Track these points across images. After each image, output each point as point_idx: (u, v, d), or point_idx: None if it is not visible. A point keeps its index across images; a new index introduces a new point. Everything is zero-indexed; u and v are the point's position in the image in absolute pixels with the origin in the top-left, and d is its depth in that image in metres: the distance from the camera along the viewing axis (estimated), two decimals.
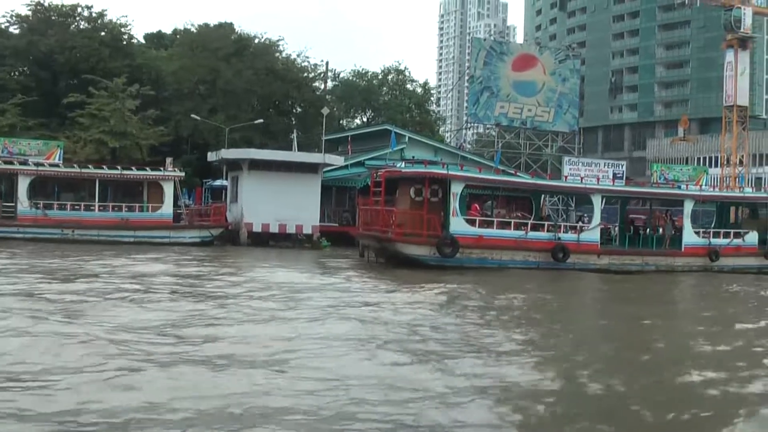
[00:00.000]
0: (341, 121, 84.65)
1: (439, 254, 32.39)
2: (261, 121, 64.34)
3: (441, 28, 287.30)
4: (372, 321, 17.79)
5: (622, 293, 29.58)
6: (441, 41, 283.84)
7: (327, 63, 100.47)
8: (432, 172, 33.85)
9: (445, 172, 33.60)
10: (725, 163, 74.62)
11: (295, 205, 44.72)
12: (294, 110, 78.58)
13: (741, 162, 73.70)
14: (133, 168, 44.75)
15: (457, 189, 33.33)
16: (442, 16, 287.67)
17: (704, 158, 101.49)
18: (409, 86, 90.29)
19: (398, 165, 37.80)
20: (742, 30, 73.46)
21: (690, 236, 37.81)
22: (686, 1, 73.71)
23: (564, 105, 65.75)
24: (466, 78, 70.61)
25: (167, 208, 43.88)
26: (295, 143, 52.51)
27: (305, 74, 78.35)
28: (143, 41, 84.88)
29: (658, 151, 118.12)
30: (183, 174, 45.77)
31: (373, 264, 35.21)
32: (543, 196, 42.83)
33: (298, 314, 18.45)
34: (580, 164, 39.52)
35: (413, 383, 11.79)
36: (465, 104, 74.17)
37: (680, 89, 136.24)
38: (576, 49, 71.06)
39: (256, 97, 70.92)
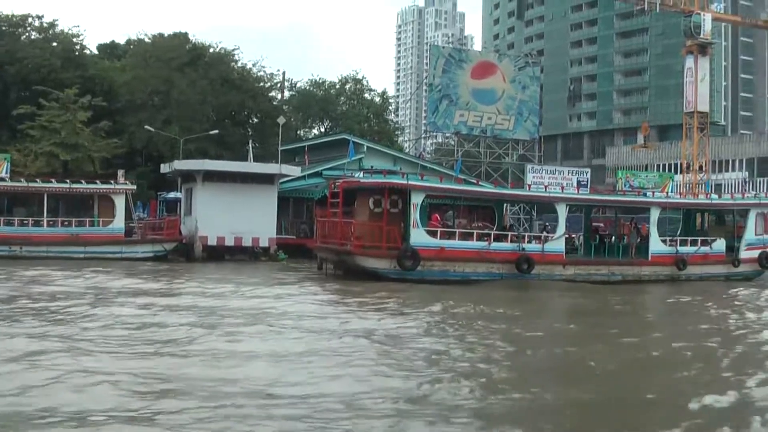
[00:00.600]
0: (299, 132, 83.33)
1: (400, 267, 31.22)
2: (216, 132, 63.00)
3: (399, 39, 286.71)
4: (321, 337, 17.16)
5: (585, 306, 28.60)
6: (399, 51, 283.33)
7: (284, 73, 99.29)
8: (391, 182, 32.62)
9: (405, 182, 32.38)
10: (686, 170, 74.03)
11: (251, 217, 43.37)
12: (250, 121, 77.29)
13: (701, 168, 73.36)
14: (83, 181, 43.18)
15: (417, 199, 32.15)
16: (400, 26, 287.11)
17: (664, 165, 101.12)
18: (367, 95, 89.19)
19: (356, 175, 36.66)
20: (701, 36, 73.17)
21: (657, 244, 36.87)
22: (645, 8, 72.75)
23: (524, 112, 65.05)
24: (425, 86, 69.50)
25: (119, 223, 42.34)
26: (250, 154, 51.24)
27: (261, 84, 77.07)
28: (96, 52, 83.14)
29: (617, 158, 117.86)
30: (135, 187, 44.35)
31: (331, 277, 33.98)
32: (505, 205, 41.95)
33: (247, 332, 17.79)
34: (544, 172, 38.77)
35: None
36: (424, 114, 73.09)
37: (639, 97, 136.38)
38: (535, 57, 70.33)
39: (211, 108, 69.46)
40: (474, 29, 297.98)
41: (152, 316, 19.80)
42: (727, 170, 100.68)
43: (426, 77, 70.67)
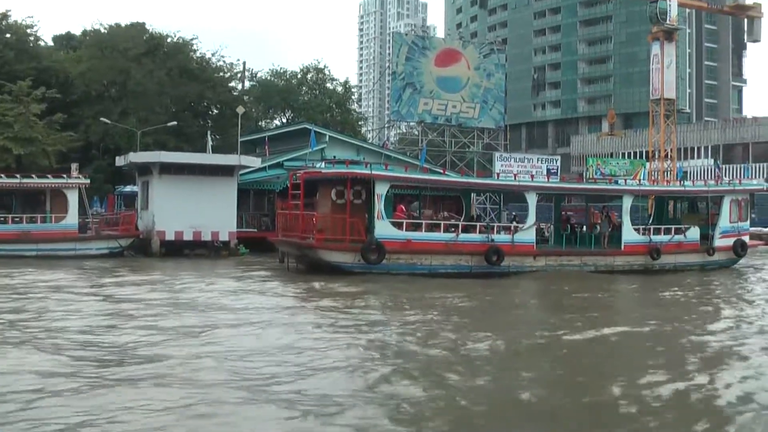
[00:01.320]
0: (260, 123, 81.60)
1: (364, 261, 29.88)
2: (174, 123, 61.20)
3: (361, 30, 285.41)
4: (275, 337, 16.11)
5: (556, 298, 27.42)
6: (361, 42, 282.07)
7: (244, 63, 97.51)
8: (354, 172, 31.17)
9: (368, 172, 30.93)
10: (653, 157, 73.19)
11: (210, 210, 41.85)
12: (210, 112, 75.55)
13: (668, 156, 72.64)
14: (34, 176, 41.41)
15: (381, 190, 30.77)
16: (362, 17, 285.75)
17: (630, 153, 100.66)
18: (329, 85, 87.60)
19: (318, 165, 35.23)
20: (667, 22, 72.35)
21: (630, 234, 35.74)
22: None
23: (489, 100, 63.76)
24: (388, 75, 68.05)
25: (72, 219, 40.57)
26: (209, 145, 49.50)
27: (221, 74, 75.31)
28: (51, 43, 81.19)
29: (582, 147, 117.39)
30: (88, 181, 42.47)
31: (293, 272, 32.56)
32: (472, 195, 40.70)
33: (201, 331, 16.84)
34: (512, 160, 37.59)
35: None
36: (387, 104, 71.63)
37: (603, 85, 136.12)
38: (500, 43, 69.08)
39: (169, 99, 67.74)
40: (436, 19, 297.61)
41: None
42: (692, 157, 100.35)
43: (389, 66, 69.13)
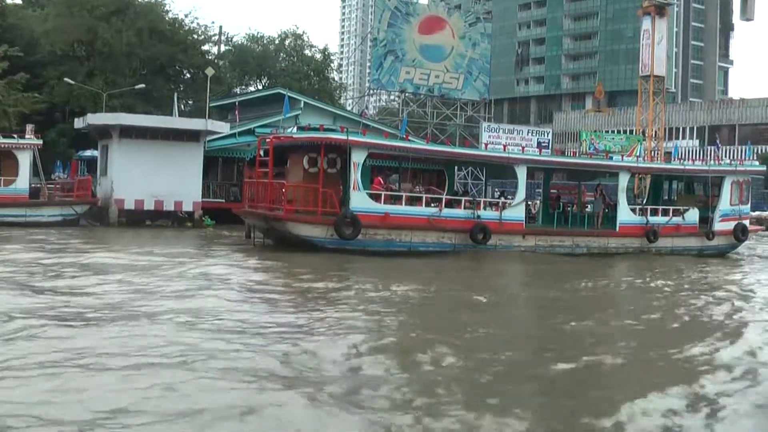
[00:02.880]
0: (234, 89, 78.27)
1: (338, 236, 26.94)
2: (143, 86, 57.96)
3: (343, 0, 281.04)
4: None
5: (549, 284, 24.64)
6: (343, 13, 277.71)
7: (221, 27, 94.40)
8: (329, 137, 28.13)
9: (344, 137, 27.82)
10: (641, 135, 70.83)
11: (174, 178, 39.04)
12: (182, 76, 72.19)
13: (655, 135, 70.32)
14: None
15: (358, 158, 27.81)
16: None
17: (617, 131, 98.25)
18: (307, 52, 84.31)
19: (289, 130, 32.31)
20: None
21: (625, 214, 33.02)
22: None
23: (474, 71, 61.04)
24: (369, 41, 65.02)
25: (22, 182, 37.52)
26: (175, 107, 46.50)
27: (194, 36, 71.92)
28: (20, 1, 77.52)
29: (565, 124, 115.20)
30: (41, 142, 39.30)
31: (259, 247, 29.68)
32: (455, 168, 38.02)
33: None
34: (501, 131, 34.59)
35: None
36: (368, 74, 68.66)
37: (588, 61, 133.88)
38: (487, 12, 66.16)
39: (139, 61, 64.26)
40: None
41: None
42: (677, 138, 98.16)
43: (370, 33, 66.05)
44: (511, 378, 11.02)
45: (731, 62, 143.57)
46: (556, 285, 22.42)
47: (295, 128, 32.90)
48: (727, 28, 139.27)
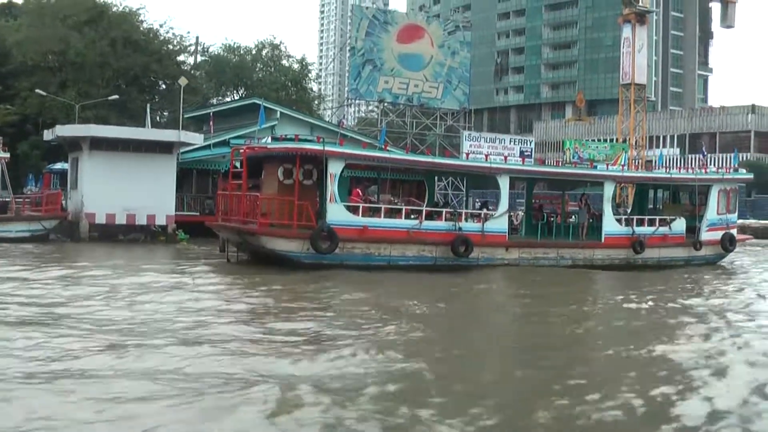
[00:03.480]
0: (211, 100, 76.98)
1: (314, 250, 25.88)
2: (116, 97, 56.72)
3: (322, 12, 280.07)
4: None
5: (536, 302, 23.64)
6: (322, 25, 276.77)
7: (197, 37, 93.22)
8: (304, 148, 26.96)
9: (320, 147, 26.75)
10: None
11: (146, 191, 37.84)
12: (157, 87, 70.91)
13: (636, 143, 69.74)
14: None
15: (335, 169, 26.78)
16: (322, 11, 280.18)
17: (598, 140, 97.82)
18: (285, 62, 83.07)
19: (264, 141, 31.20)
20: (640, 3, 69.60)
21: (611, 224, 32.09)
22: None
23: (453, 80, 60.07)
24: (347, 50, 63.91)
25: None
26: (148, 118, 45.23)
27: (169, 46, 70.73)
28: None
29: (545, 133, 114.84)
30: (8, 155, 38.22)
31: (233, 262, 28.61)
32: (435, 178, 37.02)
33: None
34: (482, 140, 33.58)
35: None
36: (347, 84, 67.33)
37: (567, 71, 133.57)
38: (466, 20, 65.24)
39: (112, 71, 62.99)
40: (400, 3, 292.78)
41: None
42: (658, 146, 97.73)
43: (348, 42, 64.99)
44: None
45: (711, 70, 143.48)
46: (545, 309, 21.24)
47: (270, 138, 31.67)
48: (706, 36, 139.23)
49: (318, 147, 26.80)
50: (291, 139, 28.55)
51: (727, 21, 77.94)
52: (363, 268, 26.24)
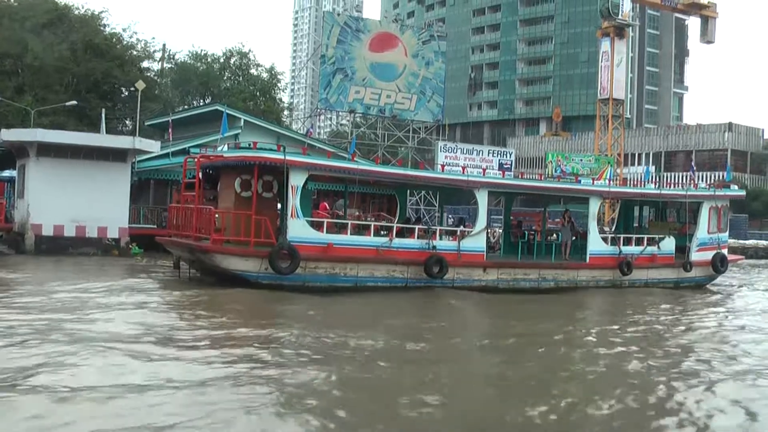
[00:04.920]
0: (177, 109, 74.23)
1: (273, 270, 23.37)
2: (74, 103, 54.04)
3: (295, 24, 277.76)
4: None
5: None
6: (295, 38, 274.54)
7: (164, 45, 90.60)
8: (263, 156, 24.35)
9: (280, 156, 24.19)
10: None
11: (98, 202, 35.19)
12: (120, 94, 68.05)
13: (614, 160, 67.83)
14: None
15: (297, 180, 24.27)
16: (297, 12, 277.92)
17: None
18: (254, 71, 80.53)
19: (220, 148, 28.64)
20: (619, 17, 67.89)
21: (596, 243, 29.83)
22: None
23: (427, 91, 57.83)
24: (317, 56, 61.37)
25: None
26: (102, 125, 42.65)
27: (132, 52, 68.03)
28: None
29: (519, 149, 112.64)
30: None
31: (185, 281, 26.02)
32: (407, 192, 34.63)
33: None
34: (459, 151, 31.16)
35: None
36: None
37: (542, 86, 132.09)
38: (441, 29, 62.97)
39: (71, 76, 60.25)
40: (373, 12, 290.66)
41: None
42: (633, 164, 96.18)
43: (317, 50, 62.51)
44: None
45: (686, 88, 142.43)
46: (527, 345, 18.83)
47: (226, 146, 29.09)
48: (682, 53, 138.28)
49: (278, 156, 24.20)
50: (249, 147, 25.87)
51: (707, 36, 76.04)
52: (327, 290, 23.85)
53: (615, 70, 67.91)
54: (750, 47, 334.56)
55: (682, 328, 21.60)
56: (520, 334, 19.22)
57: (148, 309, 19.33)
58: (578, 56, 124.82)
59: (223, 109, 40.63)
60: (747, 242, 66.41)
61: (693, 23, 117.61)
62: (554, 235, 32.60)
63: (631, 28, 75.50)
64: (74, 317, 16.98)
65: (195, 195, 25.58)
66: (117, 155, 36.37)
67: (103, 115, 43.88)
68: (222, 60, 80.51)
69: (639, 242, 31.18)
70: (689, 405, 12.09)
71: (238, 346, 14.87)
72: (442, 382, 13.11)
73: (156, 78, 71.11)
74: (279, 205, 25.94)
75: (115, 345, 14.12)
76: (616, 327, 20.87)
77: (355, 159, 28.73)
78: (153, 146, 38.17)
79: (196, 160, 25.94)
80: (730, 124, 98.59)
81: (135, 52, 68.79)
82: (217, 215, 24.58)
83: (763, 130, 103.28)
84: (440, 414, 11.07)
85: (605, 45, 69.51)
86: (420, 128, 59.16)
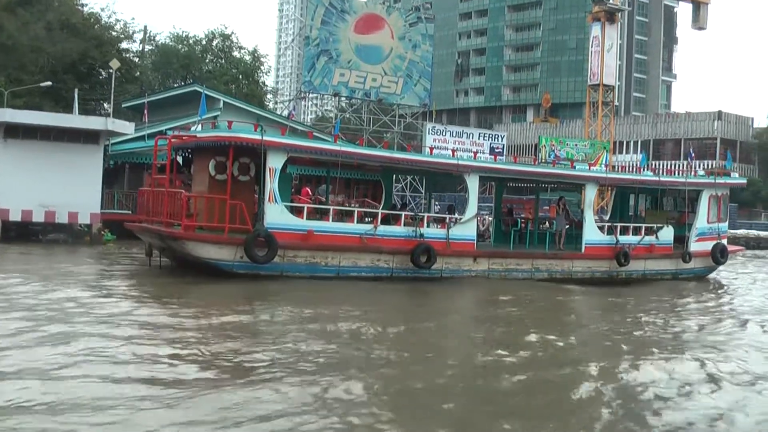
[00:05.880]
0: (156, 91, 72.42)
1: (249, 258, 21.79)
2: (49, 83, 52.16)
3: (281, 11, 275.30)
4: None
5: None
6: (280, 21, 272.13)
7: (145, 26, 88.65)
8: (238, 136, 22.66)
9: (257, 137, 22.57)
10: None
11: (68, 186, 33.42)
12: (99, 75, 66.08)
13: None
14: None
15: (276, 163, 22.67)
16: (281, 3, 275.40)
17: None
18: (236, 54, 78.63)
19: (194, 128, 26.98)
20: (610, 1, 66.45)
21: (593, 233, 28.34)
22: None
23: (414, 75, 55.94)
24: (301, 39, 59.63)
25: None
26: (75, 105, 40.90)
27: (111, 32, 66.10)
28: None
29: (506, 136, 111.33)
30: None
31: (156, 270, 24.38)
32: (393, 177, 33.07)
33: None
34: (448, 134, 29.48)
35: None
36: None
37: (529, 73, 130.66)
38: (429, 10, 61.24)
39: (47, 56, 58.27)
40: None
41: None
42: (621, 152, 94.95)
43: (300, 31, 60.76)
44: None
45: (674, 76, 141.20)
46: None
47: (200, 125, 27.43)
48: (671, 41, 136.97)
49: (255, 136, 22.54)
50: (224, 127, 24.17)
51: (699, 23, 74.88)
52: (307, 281, 22.30)
53: (606, 55, 66.57)
54: (739, 35, 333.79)
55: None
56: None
57: (77, 303, 17.55)
58: (566, 43, 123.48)
59: (202, 90, 38.95)
60: (738, 231, 65.19)
61: (682, 10, 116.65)
62: (546, 223, 31.08)
63: (624, 11, 74.14)
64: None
65: (166, 178, 23.93)
66: (89, 137, 34.60)
67: (76, 95, 42.07)
68: (204, 42, 78.56)
69: (636, 231, 29.73)
70: None
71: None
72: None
73: (136, 59, 69.21)
74: (257, 190, 24.32)
75: None
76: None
77: (338, 141, 26.95)
78: (127, 128, 36.41)
79: (169, 140, 24.26)
80: (719, 112, 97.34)
81: (114, 33, 66.87)
82: (189, 200, 22.99)
83: (752, 119, 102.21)
84: None
85: (596, 30, 68.22)
86: (406, 114, 57.56)
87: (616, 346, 16.14)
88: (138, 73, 67.40)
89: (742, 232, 66.33)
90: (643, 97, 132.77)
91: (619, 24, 72.01)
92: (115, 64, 41.66)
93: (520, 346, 15.24)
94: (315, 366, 12.30)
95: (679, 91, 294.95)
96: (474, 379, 12.61)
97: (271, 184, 22.49)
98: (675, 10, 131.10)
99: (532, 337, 16.27)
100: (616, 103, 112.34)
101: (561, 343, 15.92)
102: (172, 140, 23.91)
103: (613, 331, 18.22)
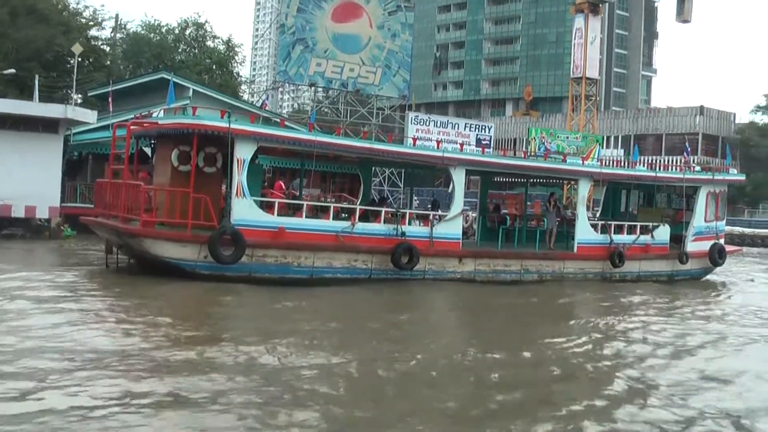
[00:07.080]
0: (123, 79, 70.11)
1: (214, 258, 19.78)
2: (12, 71, 49.82)
3: (258, 3, 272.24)
4: None
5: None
6: (257, 10, 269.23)
7: (117, 14, 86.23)
8: (204, 124, 20.58)
9: (225, 125, 20.51)
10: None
11: (25, 177, 31.47)
12: (66, 63, 63.69)
13: None
14: None
15: (244, 153, 20.64)
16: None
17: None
18: (210, 43, 76.34)
19: (155, 115, 24.90)
20: None
21: (585, 231, 26.52)
22: None
23: (393, 65, 54.01)
24: (276, 28, 57.57)
25: None
26: (36, 92, 38.76)
27: (79, 19, 63.77)
28: None
29: (493, 128, 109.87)
30: None
31: (113, 270, 22.33)
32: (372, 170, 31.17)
33: None
34: (432, 124, 27.53)
35: None
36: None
37: (509, 66, 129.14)
38: (408, 2, 59.30)
39: (11, 43, 55.92)
40: None
41: None
42: (603, 147, 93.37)
43: (276, 19, 58.70)
44: None
45: (655, 71, 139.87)
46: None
47: (162, 111, 25.41)
48: (651, 36, 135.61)
49: (222, 124, 20.48)
50: (189, 114, 22.08)
51: (683, 15, 73.12)
52: (277, 283, 20.32)
53: (588, 47, 64.85)
54: (721, 30, 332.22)
55: None
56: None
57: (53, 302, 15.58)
58: (546, 36, 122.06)
59: (170, 77, 36.85)
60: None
61: (663, 5, 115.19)
62: (534, 220, 29.26)
63: (607, 3, 72.51)
64: None
65: (125, 168, 21.86)
66: (47, 126, 32.55)
67: (37, 82, 39.91)
68: (177, 31, 76.18)
69: (631, 230, 27.95)
70: None
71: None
72: None
73: (106, 48, 66.92)
74: (225, 183, 22.26)
75: None
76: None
77: (312, 130, 24.88)
78: (88, 116, 34.29)
79: (127, 128, 22.14)
80: (701, 107, 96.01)
81: (82, 20, 64.51)
82: (149, 193, 20.95)
83: (734, 115, 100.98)
84: None
85: (579, 22, 66.56)
86: (384, 106, 55.70)
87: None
88: (108, 62, 65.05)
89: (726, 228, 65.04)
90: (623, 92, 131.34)
91: (603, 16, 70.44)
92: (77, 48, 39.54)
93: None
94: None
95: (660, 86, 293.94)
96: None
97: (239, 177, 20.46)
98: (656, 4, 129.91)
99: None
100: (598, 97, 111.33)
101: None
102: (132, 127, 21.74)
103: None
